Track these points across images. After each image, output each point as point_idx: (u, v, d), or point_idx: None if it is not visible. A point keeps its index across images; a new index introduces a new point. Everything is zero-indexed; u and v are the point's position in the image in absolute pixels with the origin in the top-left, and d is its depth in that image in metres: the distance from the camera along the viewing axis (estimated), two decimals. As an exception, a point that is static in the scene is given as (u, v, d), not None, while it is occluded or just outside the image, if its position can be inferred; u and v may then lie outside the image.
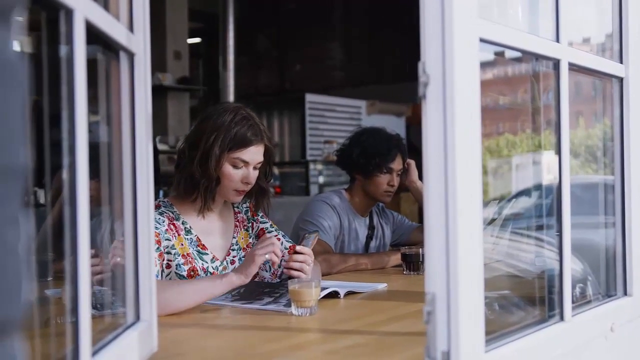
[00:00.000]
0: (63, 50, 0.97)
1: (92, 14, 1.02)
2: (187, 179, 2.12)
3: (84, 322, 0.97)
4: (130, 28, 1.30)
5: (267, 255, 1.91)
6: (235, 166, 2.11)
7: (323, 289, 1.96)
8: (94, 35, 1.06)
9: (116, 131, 1.30)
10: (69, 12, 0.95)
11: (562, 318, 1.45)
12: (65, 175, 0.96)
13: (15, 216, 0.56)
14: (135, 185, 1.31)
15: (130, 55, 1.29)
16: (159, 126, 6.87)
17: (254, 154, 2.12)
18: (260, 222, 2.33)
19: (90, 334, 0.98)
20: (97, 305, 1.30)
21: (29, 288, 0.58)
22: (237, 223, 2.28)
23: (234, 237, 2.25)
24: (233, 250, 2.24)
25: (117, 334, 1.21)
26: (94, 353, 1.04)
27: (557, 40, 1.45)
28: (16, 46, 0.57)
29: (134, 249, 1.32)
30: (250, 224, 2.32)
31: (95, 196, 1.16)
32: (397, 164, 2.90)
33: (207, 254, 2.15)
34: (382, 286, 2.28)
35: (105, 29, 1.11)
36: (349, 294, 2.11)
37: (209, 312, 1.90)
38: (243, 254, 2.24)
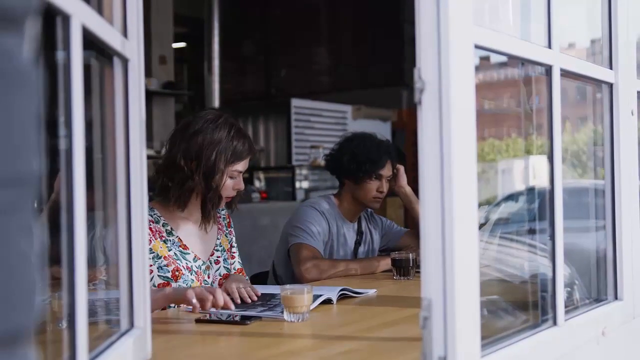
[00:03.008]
0: (59, 55, 0.96)
1: (88, 20, 1.02)
2: (185, 192, 2.17)
3: (81, 329, 0.96)
4: (124, 34, 1.29)
5: (194, 300, 1.84)
6: (231, 177, 2.22)
7: (316, 295, 1.96)
8: (88, 41, 1.06)
9: (110, 137, 1.29)
10: (66, 18, 0.94)
11: (555, 322, 1.45)
12: (62, 181, 0.95)
13: (28, 224, 0.55)
14: (129, 191, 1.30)
15: (124, 61, 1.29)
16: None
17: (246, 163, 2.26)
18: (233, 235, 2.44)
19: (87, 341, 0.97)
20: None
21: (41, 296, 0.57)
22: (220, 226, 2.38)
23: (218, 239, 2.35)
24: (217, 250, 2.33)
25: (111, 342, 1.20)
26: (90, 361, 1.03)
27: (549, 46, 1.46)
28: (28, 53, 0.56)
29: (128, 256, 1.31)
30: (229, 231, 2.43)
31: (88, 202, 1.15)
32: (387, 171, 2.90)
33: (189, 253, 2.22)
34: (372, 292, 2.28)
35: (101, 34, 1.11)
36: (343, 297, 2.11)
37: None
38: (226, 255, 2.35)
